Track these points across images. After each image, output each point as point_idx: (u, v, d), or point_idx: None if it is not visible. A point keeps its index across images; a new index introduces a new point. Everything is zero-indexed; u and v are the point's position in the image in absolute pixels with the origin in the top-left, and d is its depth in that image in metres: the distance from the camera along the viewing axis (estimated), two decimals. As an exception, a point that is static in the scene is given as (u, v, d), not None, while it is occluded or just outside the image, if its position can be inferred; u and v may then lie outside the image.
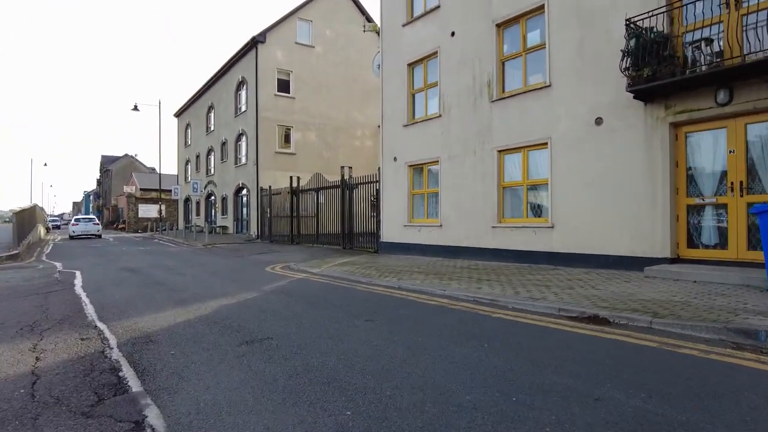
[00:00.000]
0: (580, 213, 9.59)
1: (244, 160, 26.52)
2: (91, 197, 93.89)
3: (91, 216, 38.10)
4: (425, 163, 13.46)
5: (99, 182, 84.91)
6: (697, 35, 7.71)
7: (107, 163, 76.58)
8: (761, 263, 6.67)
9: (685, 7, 8.01)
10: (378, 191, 15.32)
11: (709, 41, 7.52)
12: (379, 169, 15.26)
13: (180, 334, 5.02)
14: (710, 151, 8.07)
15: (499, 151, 11.27)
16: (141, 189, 54.64)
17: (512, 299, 6.30)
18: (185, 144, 38.39)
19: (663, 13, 8.08)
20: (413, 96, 14.12)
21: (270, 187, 22.66)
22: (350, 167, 17.54)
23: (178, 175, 40.54)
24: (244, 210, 27.17)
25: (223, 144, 29.52)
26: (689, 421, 2.76)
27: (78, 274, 10.71)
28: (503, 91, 11.40)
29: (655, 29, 7.81)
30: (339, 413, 2.94)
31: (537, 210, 10.72)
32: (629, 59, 8.12)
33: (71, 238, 30.51)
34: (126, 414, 3.01)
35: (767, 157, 7.44)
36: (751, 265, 7.27)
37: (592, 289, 6.83)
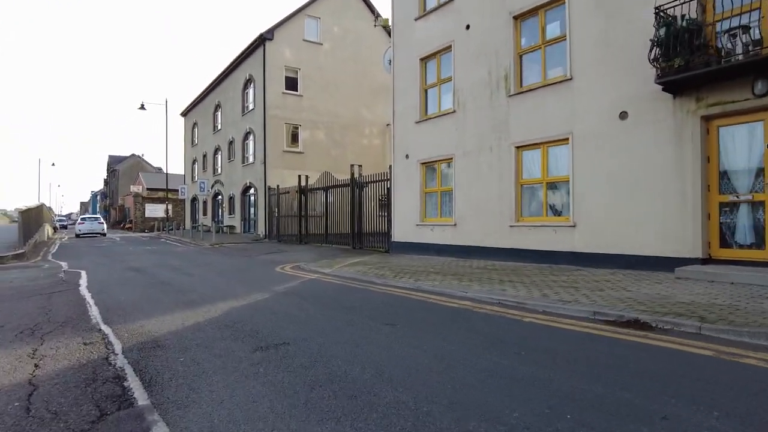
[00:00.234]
0: (604, 211, 9.18)
1: (251, 159, 26.24)
2: (99, 197, 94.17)
3: (97, 215, 39.68)
4: (438, 161, 13.08)
5: (106, 182, 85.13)
6: (732, 23, 7.28)
7: (114, 163, 76.72)
8: (806, 264, 6.25)
9: (718, -7, 7.59)
10: (389, 190, 14.96)
11: (746, 29, 7.09)
12: (390, 167, 14.90)
13: (189, 339, 4.68)
14: (745, 145, 7.64)
15: (517, 147, 10.88)
16: (148, 189, 54.62)
17: (541, 302, 5.92)
18: (192, 143, 38.20)
19: (694, 0, 7.67)
20: (426, 91, 13.75)
21: (278, 186, 22.36)
22: (360, 165, 17.19)
23: (184, 175, 40.35)
24: (252, 209, 26.89)
25: (231, 143, 29.27)
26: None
27: (83, 274, 10.43)
28: (521, 86, 11.00)
29: (687, 16, 7.40)
30: (372, 434, 2.59)
31: (557, 208, 10.32)
32: (659, 49, 7.71)
33: (77, 236, 31.63)
34: (131, 433, 2.67)
35: (808, 151, 7.02)
36: (792, 265, 6.85)
37: (623, 291, 6.44)
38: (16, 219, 26.61)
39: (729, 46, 7.25)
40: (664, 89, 8.02)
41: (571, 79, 9.82)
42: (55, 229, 46.12)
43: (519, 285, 7.30)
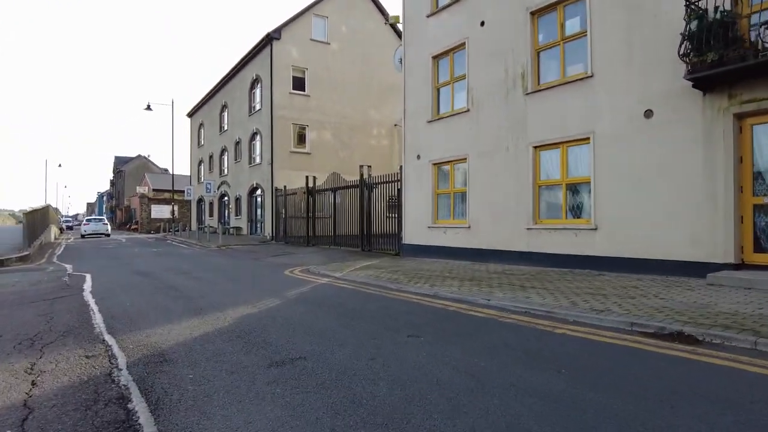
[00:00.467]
0: (628, 214, 8.80)
1: (258, 160, 25.98)
2: (105, 198, 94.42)
3: (101, 217, 41.61)
4: (451, 161, 12.73)
5: (112, 183, 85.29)
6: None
7: (120, 164, 76.84)
8: None
9: (753, -16, 7.21)
10: (400, 191, 14.61)
11: (785, 21, 6.70)
12: (400, 167, 14.55)
13: (198, 352, 4.36)
14: (782, 144, 7.24)
15: (535, 147, 10.50)
16: (154, 190, 54.55)
17: (571, 311, 5.55)
18: (198, 144, 38.02)
19: (728, -9, 7.28)
20: (438, 90, 13.40)
21: (285, 187, 22.07)
22: (369, 166, 16.85)
23: (190, 176, 40.20)
24: (258, 211, 26.62)
25: (237, 143, 29.03)
26: None
27: (88, 277, 10.14)
28: (538, 83, 10.64)
29: (721, 8, 7.01)
30: (412, 474, 2.24)
31: (577, 210, 9.94)
32: (689, 43, 7.33)
33: (83, 237, 32.80)
34: (135, 470, 2.34)
35: None
36: (836, 272, 6.45)
37: (656, 299, 6.06)
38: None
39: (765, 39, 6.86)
40: (694, 86, 7.63)
41: (591, 76, 9.45)
42: (61, 230, 46.09)
43: (543, 292, 6.93)
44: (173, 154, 34.70)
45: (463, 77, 12.41)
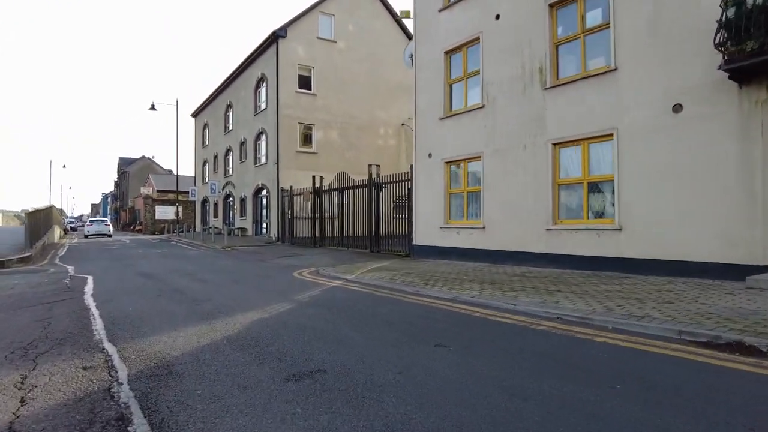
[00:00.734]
0: (655, 214, 8.36)
1: (263, 160, 25.61)
2: (109, 199, 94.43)
3: (103, 218, 43.57)
4: (465, 159, 12.30)
5: (117, 184, 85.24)
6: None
7: (125, 165, 76.77)
8: None
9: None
10: (410, 190, 14.20)
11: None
12: (411, 166, 14.14)
13: (207, 363, 3.96)
14: (825, 139, 6.80)
15: (554, 144, 10.08)
16: (158, 190, 54.35)
17: (608, 317, 5.12)
18: (203, 144, 37.72)
19: (766, -23, 6.84)
20: (450, 86, 12.99)
21: (291, 187, 21.69)
22: (378, 165, 16.44)
23: (195, 176, 39.89)
24: (264, 211, 26.24)
25: (242, 143, 28.68)
26: None
27: (90, 279, 9.78)
28: (557, 78, 10.21)
29: (762, -6, 6.58)
30: None
31: (600, 210, 9.50)
32: (725, 32, 6.90)
33: (86, 237, 34.11)
34: None
35: None
36: None
37: (697, 304, 5.62)
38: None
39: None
40: (730, 77, 7.19)
41: (615, 69, 9.02)
42: (65, 230, 45.92)
43: (572, 296, 6.50)
44: (177, 154, 34.43)
45: (477, 72, 11.99)
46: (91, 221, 38.15)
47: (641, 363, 3.83)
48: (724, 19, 6.87)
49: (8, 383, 3.53)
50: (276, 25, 24.85)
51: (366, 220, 16.31)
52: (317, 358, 4.05)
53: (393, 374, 3.61)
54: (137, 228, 52.42)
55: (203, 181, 36.39)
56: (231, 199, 31.07)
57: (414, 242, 13.85)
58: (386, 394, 3.20)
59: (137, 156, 78.21)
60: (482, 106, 11.69)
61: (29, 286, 8.92)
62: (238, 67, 28.46)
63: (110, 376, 3.70)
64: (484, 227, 11.54)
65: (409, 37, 26.67)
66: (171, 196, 49.21)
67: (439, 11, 13.15)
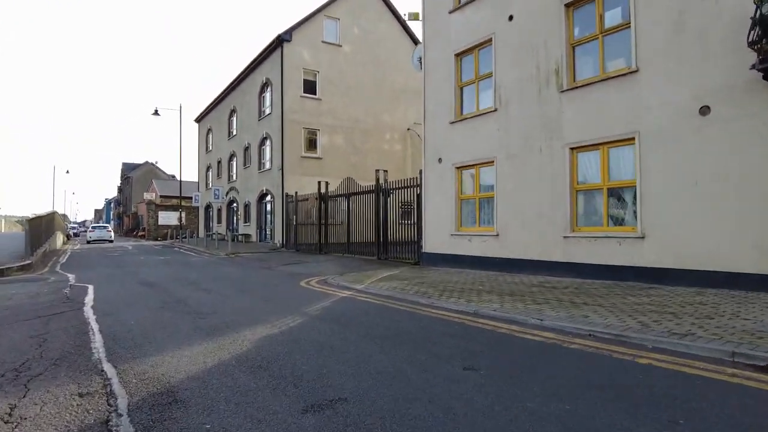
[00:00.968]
0: (681, 221, 7.98)
1: (268, 165, 25.32)
2: (112, 204, 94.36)
3: (105, 225, 44.93)
4: (477, 164, 11.94)
5: (120, 189, 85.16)
6: None
7: (128, 171, 76.70)
8: None
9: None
10: (419, 196, 13.84)
11: None
12: (420, 171, 13.78)
13: (215, 388, 3.59)
14: None
15: (572, 149, 9.71)
16: (161, 196, 54.12)
17: (646, 335, 4.74)
18: (206, 149, 37.49)
19: (802, -28, 6.50)
20: (461, 89, 12.65)
21: (296, 193, 21.36)
22: (385, 170, 16.11)
23: (198, 182, 39.65)
24: (268, 217, 25.92)
25: (246, 149, 28.40)
26: None
27: (90, 289, 9.43)
28: (574, 80, 9.87)
29: (801, -11, 6.23)
30: None
31: (620, 217, 9.12)
32: (759, 29, 6.54)
33: (88, 242, 35.30)
34: None
35: None
36: None
37: (741, 320, 5.23)
38: (28, 227, 25.91)
39: None
40: (765, 77, 6.83)
41: (636, 71, 8.67)
42: (68, 236, 45.73)
43: (600, 309, 6.11)
44: (181, 159, 34.14)
45: (489, 75, 11.65)
46: (93, 227, 39.44)
47: (698, 391, 3.44)
48: (758, 16, 6.52)
49: (-6, 415, 3.17)
50: (280, 30, 24.64)
51: (373, 227, 15.95)
52: (337, 383, 3.68)
53: (423, 404, 3.23)
54: (140, 234, 52.17)
55: (207, 187, 36.15)
56: (235, 204, 30.76)
57: (423, 250, 13.48)
58: (419, 429, 2.82)
59: (141, 161, 78.14)
60: (495, 110, 11.34)
61: (28, 296, 8.58)
62: (243, 72, 28.24)
63: (108, 405, 3.33)
64: (497, 234, 11.16)
65: (415, 40, 26.49)
66: (174, 201, 49.00)
67: (450, 13, 12.84)
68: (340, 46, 24.65)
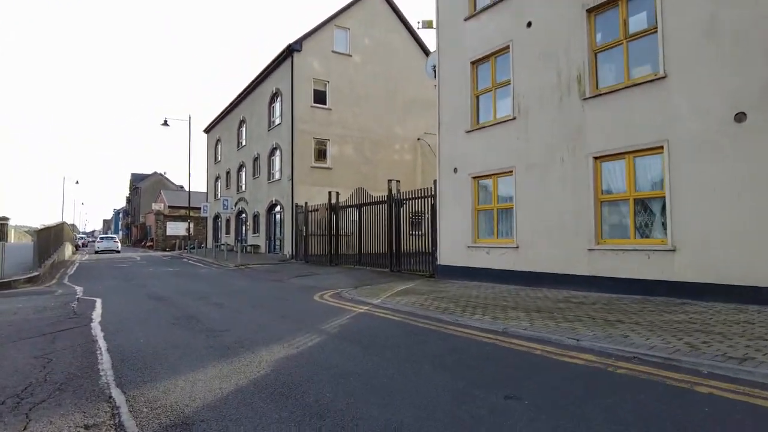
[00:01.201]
0: (716, 233, 7.57)
1: (277, 176, 25.11)
2: (121, 215, 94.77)
3: (113, 235, 46.75)
4: (494, 174, 11.60)
5: (128, 200, 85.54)
6: None
7: (137, 181, 77.05)
8: None
9: None
10: (434, 207, 13.50)
11: None
12: (434, 181, 13.46)
13: (233, 420, 3.25)
14: None
15: (596, 158, 9.36)
16: (169, 206, 54.19)
17: (697, 359, 4.35)
18: (215, 160, 37.44)
19: None
20: (477, 98, 12.36)
21: (306, 203, 21.09)
22: (398, 181, 15.81)
23: (207, 192, 39.58)
24: (277, 228, 25.66)
25: (255, 159, 28.25)
26: None
27: (98, 303, 9.14)
28: (597, 87, 9.54)
29: None
30: None
31: (648, 229, 8.73)
32: (803, 32, 6.19)
33: (96, 252, 36.82)
34: None
35: None
36: None
37: (796, 342, 4.82)
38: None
39: None
40: (808, 82, 6.47)
41: (665, 77, 8.33)
42: (77, 246, 45.79)
43: (638, 328, 5.72)
44: (190, 170, 34.01)
45: (507, 83, 11.36)
46: (101, 238, 41.11)
47: (776, 427, 3.05)
48: (801, 18, 6.18)
49: (-9, 453, 2.85)
50: (290, 39, 24.58)
51: (385, 238, 15.61)
52: (368, 414, 3.32)
53: (468, 442, 2.87)
54: (148, 244, 52.13)
55: (215, 197, 36.02)
56: (244, 215, 30.57)
57: (438, 262, 13.11)
58: (470, 477, 2.46)
59: (149, 172, 78.53)
60: (513, 118, 11.03)
61: (34, 310, 8.29)
62: (252, 82, 28.19)
63: (117, 440, 3.00)
64: (517, 247, 10.78)
65: (425, 50, 26.35)
66: (182, 212, 48.99)
67: (465, 20, 12.59)
68: (351, 56, 24.53)
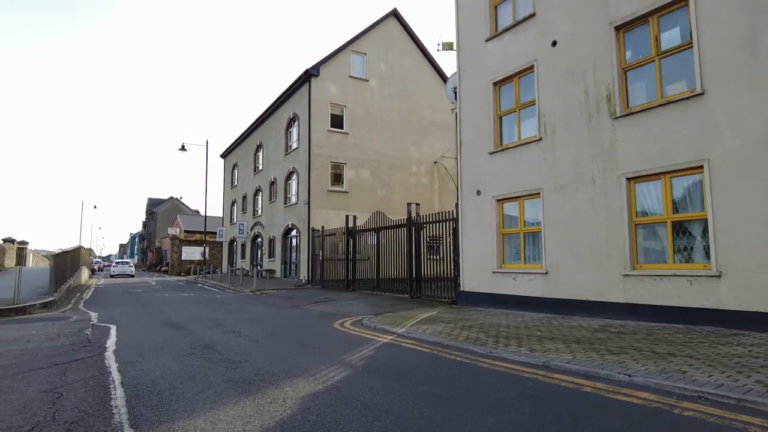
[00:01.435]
0: (767, 258, 7.07)
1: (294, 200, 24.99)
2: (137, 239, 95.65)
3: (127, 260, 48.32)
4: (520, 197, 11.22)
5: (145, 225, 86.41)
6: None
7: (153, 206, 77.91)
8: None
9: None
10: (455, 230, 13.11)
11: None
12: (456, 204, 13.10)
13: (259, 472, 2.86)
14: None
15: (629, 179, 8.95)
16: (185, 231, 54.48)
17: (777, 400, 3.86)
18: (231, 185, 37.61)
19: None
20: (500, 119, 12.08)
21: (322, 227, 20.83)
22: (417, 204, 15.48)
23: (223, 217, 39.68)
24: (293, 253, 25.39)
25: (272, 183, 28.24)
26: None
27: (113, 331, 8.86)
28: (627, 106, 9.21)
29: None
30: None
31: (689, 253, 8.23)
32: None
33: (112, 276, 38.72)
34: None
35: None
36: None
37: None
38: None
39: None
40: None
41: (702, 93, 7.97)
42: (93, 271, 46.03)
43: (694, 362, 5.22)
44: (206, 194, 34.19)
45: (532, 103, 11.08)
46: (117, 263, 42.70)
47: None
48: None
49: None
50: (307, 65, 24.77)
51: (405, 263, 15.21)
52: (411, 467, 2.91)
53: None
54: (163, 269, 52.22)
55: (231, 222, 36.05)
56: (259, 239, 30.43)
57: (461, 288, 12.64)
58: None
59: (165, 197, 79.43)
60: (539, 139, 10.70)
61: (47, 338, 8.02)
62: (269, 107, 28.40)
63: (129, 496, 2.64)
64: (546, 272, 10.30)
65: (441, 74, 26.37)
66: (198, 236, 49.17)
67: (486, 41, 12.43)
68: (367, 80, 24.61)
